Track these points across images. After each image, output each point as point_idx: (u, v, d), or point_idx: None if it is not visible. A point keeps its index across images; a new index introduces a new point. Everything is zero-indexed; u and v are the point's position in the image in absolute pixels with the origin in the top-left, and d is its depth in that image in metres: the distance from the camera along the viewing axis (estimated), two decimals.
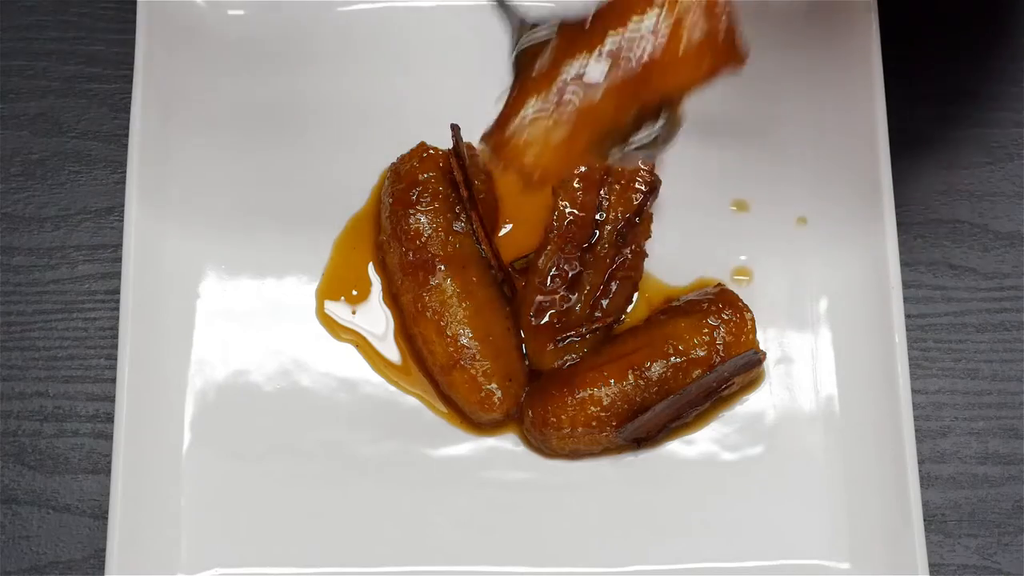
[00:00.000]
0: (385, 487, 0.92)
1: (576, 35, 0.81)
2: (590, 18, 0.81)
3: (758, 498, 0.92)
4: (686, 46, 0.80)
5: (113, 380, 0.94)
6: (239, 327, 0.95)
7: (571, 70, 0.80)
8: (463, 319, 0.93)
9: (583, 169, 0.97)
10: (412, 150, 0.96)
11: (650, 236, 0.97)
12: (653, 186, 0.97)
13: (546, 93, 0.80)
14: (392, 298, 0.96)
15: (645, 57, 0.80)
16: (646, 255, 0.96)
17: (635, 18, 0.80)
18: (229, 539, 0.91)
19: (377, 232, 0.97)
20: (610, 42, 0.80)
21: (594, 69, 0.80)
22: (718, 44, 0.80)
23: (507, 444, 0.93)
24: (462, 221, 0.95)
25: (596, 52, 0.80)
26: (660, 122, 0.81)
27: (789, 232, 0.97)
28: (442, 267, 0.93)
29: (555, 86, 0.80)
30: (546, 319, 0.94)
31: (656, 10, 0.80)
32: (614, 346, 0.93)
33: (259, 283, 0.96)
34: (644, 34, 0.80)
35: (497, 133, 0.81)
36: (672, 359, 0.92)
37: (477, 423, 0.93)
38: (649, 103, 0.81)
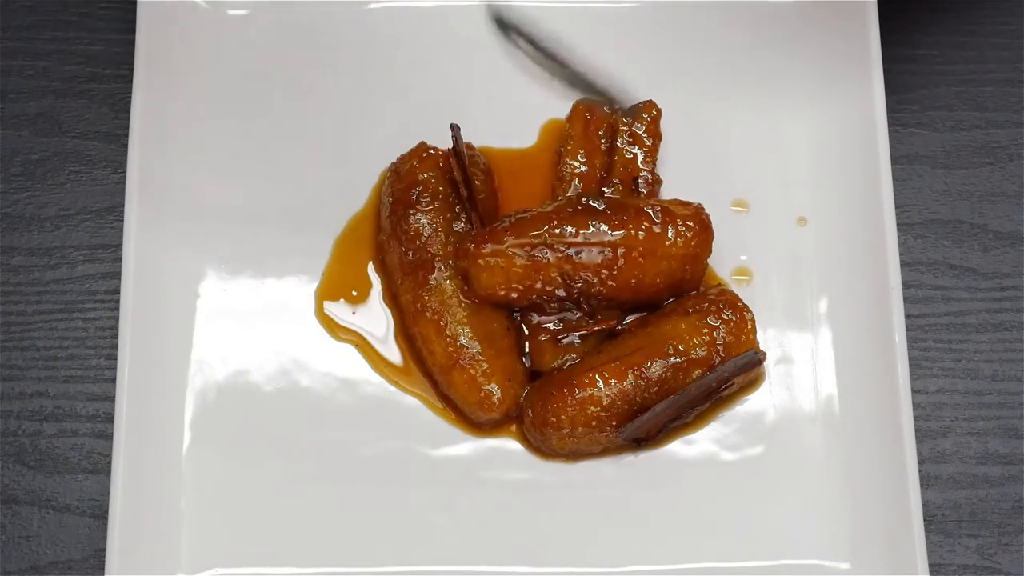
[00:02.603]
0: (385, 487, 0.92)
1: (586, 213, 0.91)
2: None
3: (758, 498, 0.92)
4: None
5: (113, 380, 0.94)
6: (239, 327, 0.95)
7: (565, 240, 0.91)
8: (463, 319, 0.93)
9: (583, 169, 0.97)
10: (412, 150, 0.96)
11: None
12: (654, 186, 0.97)
13: (533, 241, 0.91)
14: (392, 298, 0.96)
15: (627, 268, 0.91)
16: None
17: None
18: (229, 539, 0.91)
19: (377, 232, 0.97)
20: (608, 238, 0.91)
21: (585, 254, 0.91)
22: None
23: (507, 444, 0.93)
24: (462, 221, 0.95)
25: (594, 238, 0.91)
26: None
27: (789, 232, 0.97)
28: (442, 267, 0.93)
29: (543, 240, 0.91)
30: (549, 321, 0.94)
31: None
32: (614, 346, 0.93)
33: (259, 283, 0.96)
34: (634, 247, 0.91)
35: (477, 242, 0.91)
36: (672, 359, 0.92)
37: (477, 423, 0.93)
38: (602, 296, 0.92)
